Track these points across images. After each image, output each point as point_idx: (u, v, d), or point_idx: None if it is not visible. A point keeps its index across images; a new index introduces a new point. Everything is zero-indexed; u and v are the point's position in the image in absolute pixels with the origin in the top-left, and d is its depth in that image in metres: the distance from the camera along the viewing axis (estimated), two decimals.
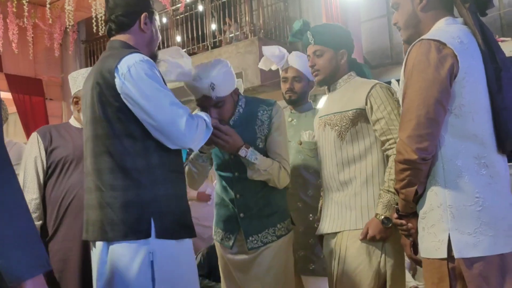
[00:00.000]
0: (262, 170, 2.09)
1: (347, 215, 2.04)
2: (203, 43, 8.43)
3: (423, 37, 1.57)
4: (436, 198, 1.54)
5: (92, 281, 1.86)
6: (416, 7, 1.66)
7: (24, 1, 7.21)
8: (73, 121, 2.53)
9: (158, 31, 1.94)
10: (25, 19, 8.08)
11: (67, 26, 8.15)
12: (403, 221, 1.67)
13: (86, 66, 9.80)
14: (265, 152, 2.17)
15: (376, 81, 2.12)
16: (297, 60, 2.66)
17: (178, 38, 8.92)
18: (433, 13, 1.65)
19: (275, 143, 2.19)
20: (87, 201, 1.81)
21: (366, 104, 2.03)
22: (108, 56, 1.81)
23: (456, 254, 1.47)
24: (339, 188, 2.10)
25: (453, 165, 1.52)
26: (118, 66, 1.71)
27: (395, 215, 1.71)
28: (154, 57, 1.91)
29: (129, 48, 1.81)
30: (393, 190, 1.96)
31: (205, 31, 8.34)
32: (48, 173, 2.40)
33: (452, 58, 1.52)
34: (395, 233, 1.86)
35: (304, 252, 2.50)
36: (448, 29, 1.59)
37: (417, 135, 1.50)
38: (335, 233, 2.08)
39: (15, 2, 7.39)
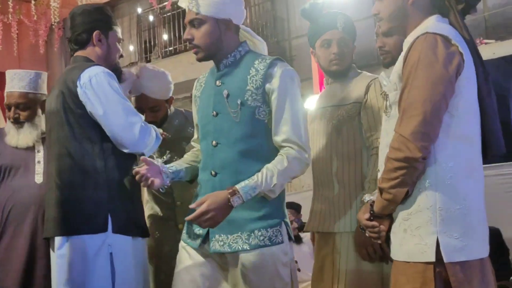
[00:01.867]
0: (271, 189, 1.68)
1: (342, 215, 2.02)
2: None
3: (427, 30, 1.50)
4: (426, 199, 1.47)
5: None
6: (406, 1, 1.60)
7: None
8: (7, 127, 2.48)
9: (118, 44, 2.12)
10: (9, 15, 7.97)
11: (53, 23, 8.06)
12: (375, 223, 1.58)
13: None
14: (257, 119, 1.75)
15: (374, 75, 2.11)
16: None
17: (165, 37, 8.88)
18: (422, 10, 1.60)
19: (279, 113, 1.74)
20: (48, 200, 1.96)
21: (365, 97, 2.04)
22: (71, 68, 2.03)
23: (445, 258, 1.43)
24: (330, 185, 2.07)
25: (445, 166, 1.47)
26: (81, 76, 1.92)
27: (367, 216, 1.59)
28: (115, 68, 2.10)
29: (89, 62, 2.01)
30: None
31: None
32: None
33: (459, 56, 1.48)
34: None
35: None
36: (444, 26, 1.55)
37: (423, 132, 1.42)
38: (332, 233, 2.06)
39: None
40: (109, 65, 2.07)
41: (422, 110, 1.43)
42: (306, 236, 4.64)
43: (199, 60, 1.85)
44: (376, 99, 2.01)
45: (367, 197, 1.64)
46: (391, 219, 1.56)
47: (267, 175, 1.68)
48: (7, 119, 2.48)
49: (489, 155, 1.59)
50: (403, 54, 1.55)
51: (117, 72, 2.11)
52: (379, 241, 1.62)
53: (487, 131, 1.56)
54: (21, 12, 8.33)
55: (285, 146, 1.74)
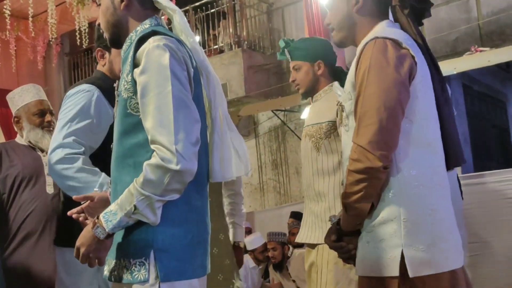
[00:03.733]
0: (135, 214, 1.32)
1: (324, 228, 2.05)
2: None
3: (376, 35, 1.44)
4: (389, 210, 1.39)
5: None
6: (351, 9, 1.55)
7: (6, 14, 7.15)
8: (19, 139, 2.63)
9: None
10: (7, 32, 8.00)
11: (50, 39, 8.10)
12: (343, 243, 1.48)
13: (70, 79, 9.76)
14: (129, 114, 1.41)
15: None
16: None
17: None
18: (370, 17, 1.55)
19: (142, 104, 1.36)
20: None
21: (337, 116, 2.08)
22: None
23: (410, 273, 1.34)
24: (315, 198, 2.16)
25: (408, 175, 1.39)
26: None
27: (334, 237, 1.49)
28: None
29: (90, 78, 2.19)
30: None
31: None
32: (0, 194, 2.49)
33: (410, 59, 1.42)
34: None
35: (223, 276, 2.44)
36: (395, 31, 1.48)
37: (380, 141, 1.35)
38: (315, 245, 2.12)
39: None
40: (115, 77, 2.08)
41: (377, 117, 1.36)
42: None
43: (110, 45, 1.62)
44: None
45: (333, 219, 1.55)
46: (359, 235, 1.47)
47: (126, 195, 1.32)
48: (36, 126, 2.57)
49: (449, 166, 1.50)
50: (354, 61, 1.49)
51: None
52: (350, 262, 1.51)
53: (446, 140, 1.49)
54: (19, 29, 8.36)
55: (154, 150, 1.32)
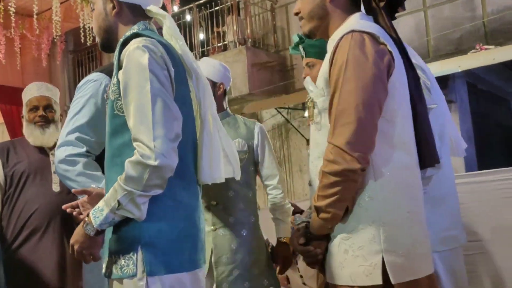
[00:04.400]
0: (119, 210, 1.37)
1: None
2: (192, 52, 8.44)
3: (353, 28, 1.36)
4: (366, 214, 1.31)
5: None
6: None
7: (11, 12, 7.18)
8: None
9: None
10: (12, 30, 8.05)
11: (55, 37, 8.12)
12: (311, 248, 1.39)
13: (74, 76, 9.80)
14: (116, 115, 1.46)
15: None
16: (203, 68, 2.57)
17: None
18: (343, 8, 1.47)
19: (124, 104, 1.42)
20: None
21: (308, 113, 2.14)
22: None
23: (393, 280, 1.27)
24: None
25: (384, 177, 1.31)
26: None
27: (302, 240, 1.41)
28: None
29: None
30: None
31: (193, 41, 8.37)
32: (6, 189, 2.52)
33: (388, 54, 1.34)
34: None
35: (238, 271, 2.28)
36: (370, 24, 1.40)
37: (358, 141, 1.27)
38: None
39: (2, 13, 7.35)
40: None
41: (356, 116, 1.27)
42: None
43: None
44: None
45: (298, 219, 1.46)
46: (328, 240, 1.38)
47: (112, 191, 1.37)
48: (29, 122, 2.60)
49: (423, 166, 1.43)
50: (328, 55, 1.39)
51: None
52: (316, 267, 1.44)
53: (419, 139, 1.41)
54: (24, 27, 8.40)
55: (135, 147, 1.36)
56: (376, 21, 1.45)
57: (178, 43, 1.53)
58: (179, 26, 8.59)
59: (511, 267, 4.49)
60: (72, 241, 1.44)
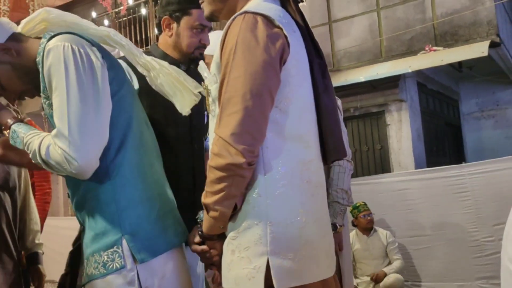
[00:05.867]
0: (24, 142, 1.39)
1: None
2: (147, 47, 8.33)
3: (245, 9, 1.23)
4: (254, 213, 1.18)
5: None
6: None
7: None
8: None
9: (193, 30, 1.91)
10: None
11: None
12: (205, 247, 1.30)
13: None
14: (50, 114, 1.42)
15: None
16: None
17: None
18: None
19: (52, 101, 1.36)
20: None
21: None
22: None
23: (276, 284, 1.15)
24: None
25: (276, 171, 1.19)
26: None
27: (197, 239, 1.32)
28: (191, 59, 1.94)
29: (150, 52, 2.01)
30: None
31: (149, 35, 8.25)
32: None
33: (283, 39, 1.21)
34: None
35: None
36: (270, 6, 1.27)
37: (245, 132, 1.14)
38: None
39: None
40: (182, 54, 1.88)
41: (242, 105, 1.14)
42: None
43: None
44: None
45: (201, 215, 1.34)
46: (224, 239, 1.27)
47: (38, 139, 1.34)
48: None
49: (329, 160, 1.33)
50: (220, 38, 1.25)
51: (193, 63, 1.88)
52: (213, 268, 1.34)
53: (324, 132, 1.30)
54: None
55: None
56: (283, 5, 1.32)
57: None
58: (134, 20, 8.44)
59: (455, 260, 4.68)
60: None
